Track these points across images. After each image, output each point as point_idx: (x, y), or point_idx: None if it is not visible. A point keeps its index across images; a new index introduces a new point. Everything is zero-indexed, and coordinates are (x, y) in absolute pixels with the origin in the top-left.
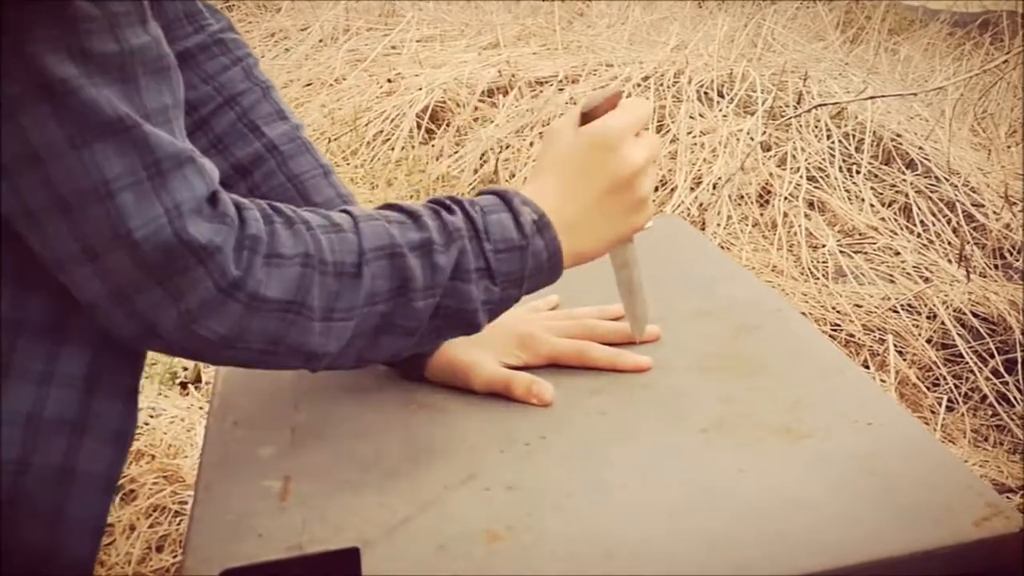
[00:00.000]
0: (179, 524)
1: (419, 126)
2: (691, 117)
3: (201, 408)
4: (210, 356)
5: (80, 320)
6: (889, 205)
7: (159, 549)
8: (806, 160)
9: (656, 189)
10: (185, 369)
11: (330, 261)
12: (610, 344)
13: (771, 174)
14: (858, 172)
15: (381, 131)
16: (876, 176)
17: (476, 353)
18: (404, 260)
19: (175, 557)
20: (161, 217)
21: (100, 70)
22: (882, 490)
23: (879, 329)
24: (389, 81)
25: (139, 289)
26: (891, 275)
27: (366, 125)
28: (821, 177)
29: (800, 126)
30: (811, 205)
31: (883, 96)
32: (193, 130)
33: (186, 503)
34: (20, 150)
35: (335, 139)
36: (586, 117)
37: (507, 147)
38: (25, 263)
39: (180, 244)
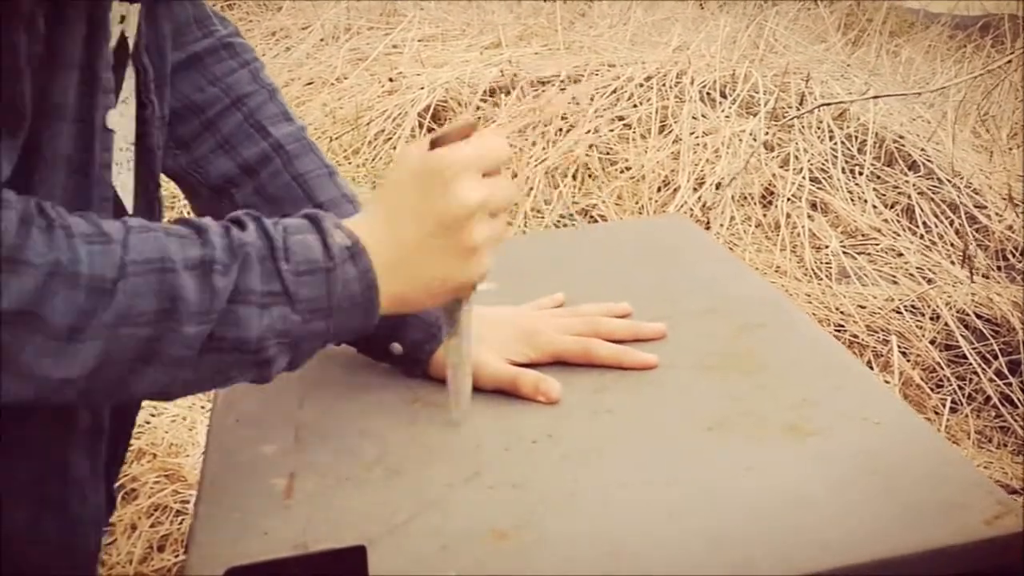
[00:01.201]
0: (180, 523)
1: (421, 125)
2: (693, 117)
3: (202, 407)
4: None
5: None
6: (892, 206)
7: (160, 548)
8: (809, 161)
9: (659, 189)
10: None
11: (84, 273)
12: (616, 341)
13: (774, 175)
14: (861, 173)
15: (383, 130)
16: (879, 177)
17: (481, 350)
18: (175, 277)
19: (177, 556)
20: None
21: None
22: (890, 488)
23: (883, 330)
24: (391, 80)
25: None
26: (894, 276)
27: (368, 124)
28: (824, 178)
29: (803, 127)
30: (814, 206)
31: (886, 96)
32: (201, 131)
33: (187, 502)
34: None
35: (337, 138)
36: (434, 145)
37: (509, 146)
38: None
39: None
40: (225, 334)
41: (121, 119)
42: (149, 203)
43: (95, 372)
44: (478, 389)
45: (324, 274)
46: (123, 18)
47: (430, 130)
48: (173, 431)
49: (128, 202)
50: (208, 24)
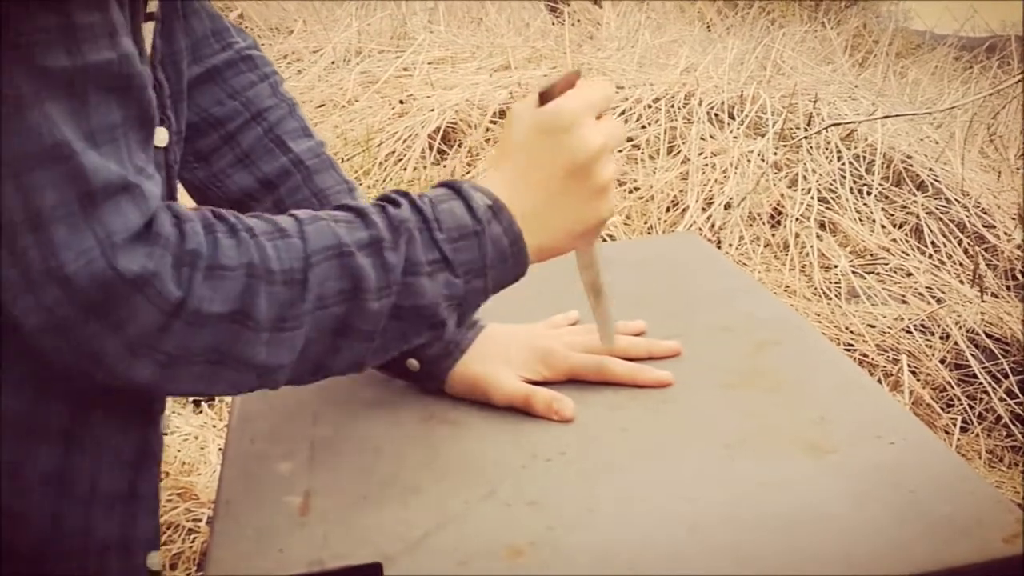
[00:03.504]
0: (193, 541)
1: (431, 147)
2: (702, 138)
3: (215, 426)
4: (157, 384)
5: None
6: (900, 226)
7: (173, 567)
8: (817, 181)
9: (668, 209)
10: None
11: (277, 269)
12: (630, 359)
13: (782, 195)
14: (869, 193)
15: (393, 151)
16: (887, 197)
17: (496, 368)
18: (353, 259)
19: (189, 574)
20: (93, 249)
21: (47, 85)
22: (909, 505)
23: (893, 349)
24: (401, 102)
25: (78, 322)
26: (903, 296)
27: (378, 146)
28: (832, 198)
29: (811, 147)
30: (823, 226)
31: (895, 116)
32: (220, 145)
33: (200, 520)
34: None
35: (348, 159)
36: (543, 98)
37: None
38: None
39: (114, 276)
40: (404, 303)
41: None
42: None
43: (303, 355)
44: (492, 406)
45: (475, 237)
46: None
47: (440, 152)
48: (185, 450)
49: None
50: (226, 37)
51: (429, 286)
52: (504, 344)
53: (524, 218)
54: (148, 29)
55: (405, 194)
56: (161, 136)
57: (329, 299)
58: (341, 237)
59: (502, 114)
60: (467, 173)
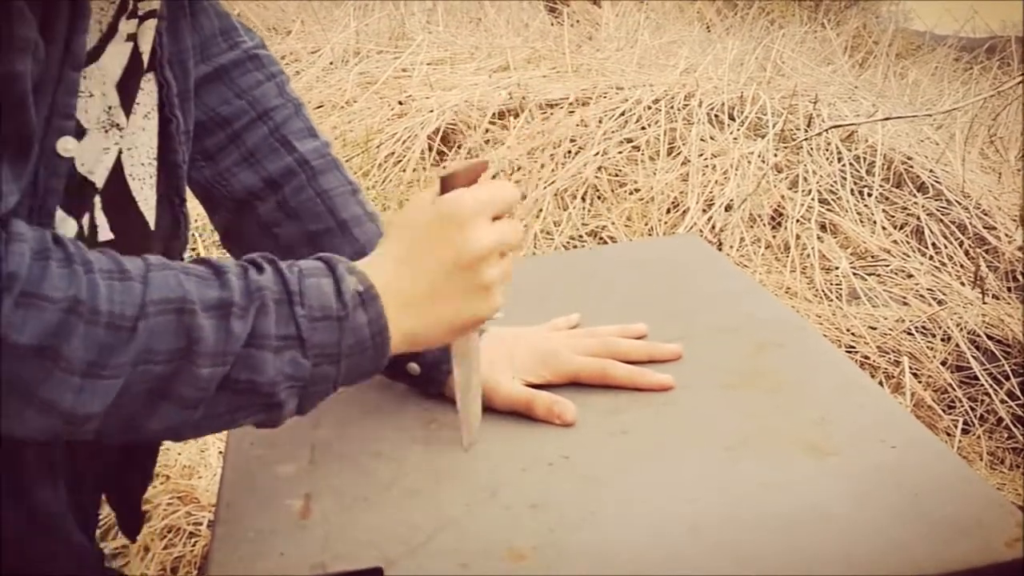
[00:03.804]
0: (194, 545)
1: (430, 148)
2: (702, 140)
3: None
4: None
5: None
6: (901, 228)
7: (174, 571)
8: (818, 183)
9: (668, 211)
10: None
11: (104, 310)
12: (631, 362)
13: (783, 196)
14: (869, 195)
15: (392, 153)
16: (887, 199)
17: (496, 371)
18: (193, 318)
19: None
20: None
21: None
22: (912, 507)
23: (894, 351)
24: (400, 103)
25: None
26: (904, 297)
27: (378, 147)
28: (833, 200)
29: (811, 149)
30: (823, 227)
31: (896, 117)
32: (226, 143)
33: (201, 524)
34: None
35: (347, 161)
36: (445, 183)
37: (518, 168)
38: None
39: None
40: (239, 376)
41: (143, 134)
42: (174, 218)
43: (113, 408)
44: (493, 410)
45: (336, 322)
46: (130, 36)
47: (439, 153)
48: (186, 453)
49: (150, 218)
50: (234, 36)
51: (272, 362)
52: (505, 347)
53: (400, 303)
54: (150, 26)
55: (272, 260)
56: (67, 145)
57: (156, 355)
58: (187, 292)
59: (501, 115)
60: None
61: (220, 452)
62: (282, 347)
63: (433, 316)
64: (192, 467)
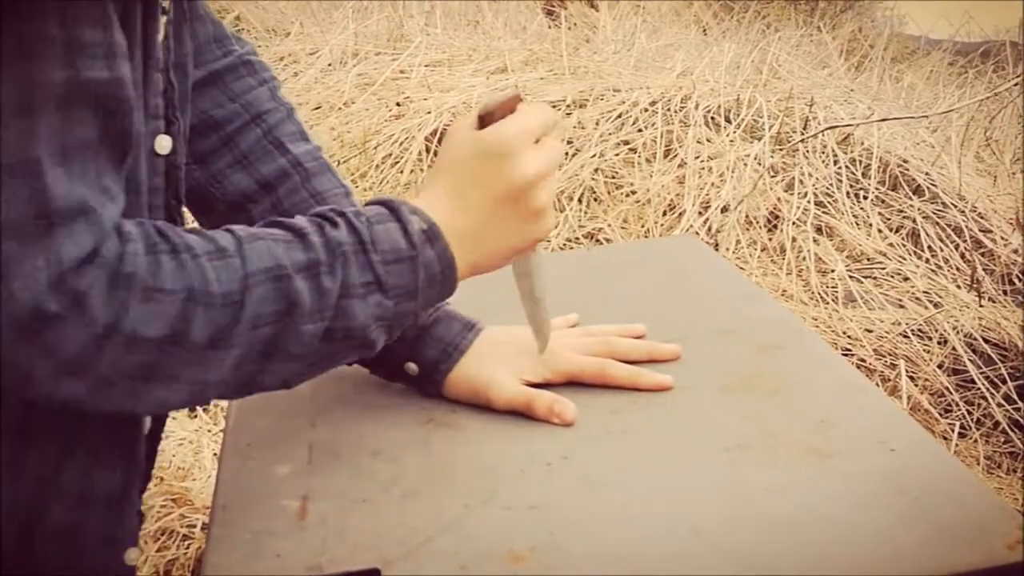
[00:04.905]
0: (187, 547)
1: (428, 149)
2: (698, 142)
3: (209, 431)
4: (86, 402)
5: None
6: (897, 230)
7: (167, 573)
8: (813, 185)
9: (664, 213)
10: None
11: (216, 292)
12: (631, 362)
13: (779, 199)
14: (865, 197)
15: (390, 154)
16: (883, 201)
17: (495, 370)
18: (290, 283)
19: None
20: (38, 272)
21: (38, 96)
22: (913, 510)
23: (890, 354)
24: (398, 105)
25: (8, 342)
26: (901, 300)
27: (375, 148)
28: (829, 202)
29: (807, 151)
30: (819, 230)
31: (892, 119)
32: (219, 146)
33: (194, 526)
34: None
35: (344, 162)
36: (483, 120)
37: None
38: None
39: (49, 301)
40: (336, 326)
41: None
42: (171, 219)
43: (232, 372)
44: (493, 410)
45: (409, 262)
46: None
47: (437, 154)
48: (180, 455)
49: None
50: (227, 43)
51: (360, 308)
52: (504, 346)
53: (459, 237)
54: (160, 23)
55: (342, 213)
56: (163, 143)
57: (263, 320)
58: (279, 259)
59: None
60: None
61: (214, 454)
62: (366, 293)
63: (492, 245)
64: (186, 469)
